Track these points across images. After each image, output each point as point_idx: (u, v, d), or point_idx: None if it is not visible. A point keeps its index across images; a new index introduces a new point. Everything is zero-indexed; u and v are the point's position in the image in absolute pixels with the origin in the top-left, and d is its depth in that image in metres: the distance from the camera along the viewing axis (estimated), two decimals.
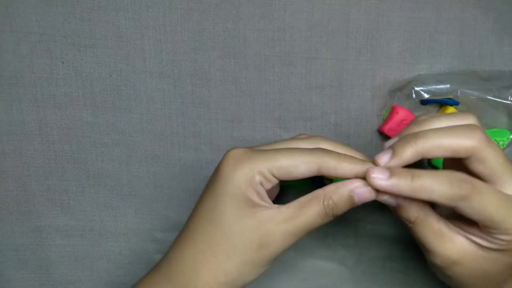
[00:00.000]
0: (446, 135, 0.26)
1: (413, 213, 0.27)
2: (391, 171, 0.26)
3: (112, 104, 0.36)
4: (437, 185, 0.25)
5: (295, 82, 0.37)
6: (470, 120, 0.28)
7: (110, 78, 0.36)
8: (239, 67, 0.36)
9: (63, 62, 0.36)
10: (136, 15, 0.35)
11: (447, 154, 0.26)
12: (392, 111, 0.37)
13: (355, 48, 0.37)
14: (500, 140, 0.37)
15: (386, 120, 0.37)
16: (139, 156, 0.37)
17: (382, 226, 0.39)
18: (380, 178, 0.26)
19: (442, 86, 0.36)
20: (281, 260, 0.39)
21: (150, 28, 0.35)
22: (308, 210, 0.27)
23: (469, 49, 0.37)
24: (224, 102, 0.37)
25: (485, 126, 0.38)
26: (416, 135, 0.27)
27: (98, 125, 0.37)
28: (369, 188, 0.27)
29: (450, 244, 0.27)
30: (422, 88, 0.36)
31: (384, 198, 0.27)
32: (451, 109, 0.37)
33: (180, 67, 0.36)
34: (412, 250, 0.39)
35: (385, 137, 0.37)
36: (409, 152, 0.26)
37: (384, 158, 0.27)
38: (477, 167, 0.27)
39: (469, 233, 0.28)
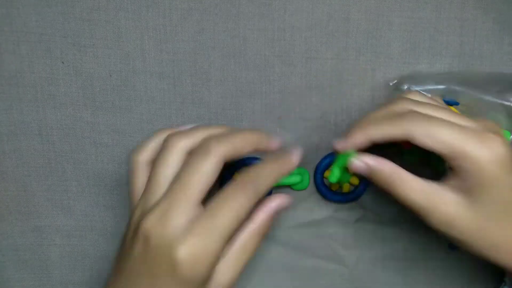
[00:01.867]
0: (384, 121, 0.28)
1: (384, 176, 0.28)
2: (347, 134, 0.29)
3: (112, 104, 0.36)
4: (378, 124, 0.28)
5: (295, 82, 0.37)
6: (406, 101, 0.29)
7: (110, 78, 0.36)
8: (239, 67, 0.36)
9: (63, 62, 0.36)
10: (136, 15, 0.35)
11: (389, 139, 0.28)
12: None
13: (355, 48, 0.37)
14: None
15: None
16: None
17: (382, 226, 0.39)
18: (338, 141, 0.29)
19: (442, 86, 0.36)
20: (281, 260, 0.39)
21: (150, 28, 0.35)
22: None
23: (469, 49, 0.37)
24: (224, 102, 0.37)
25: None
26: (365, 121, 0.29)
27: (98, 125, 0.37)
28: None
29: (438, 198, 0.27)
30: (421, 88, 0.36)
31: (356, 164, 0.29)
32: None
33: (180, 67, 0.36)
34: (412, 250, 0.39)
35: None
36: (358, 136, 0.29)
37: (338, 145, 0.30)
38: (427, 147, 0.27)
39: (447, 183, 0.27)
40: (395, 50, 0.37)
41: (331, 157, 0.37)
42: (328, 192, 0.38)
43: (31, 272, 0.38)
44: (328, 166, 0.38)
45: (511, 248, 0.27)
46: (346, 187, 0.38)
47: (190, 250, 0.24)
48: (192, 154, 0.26)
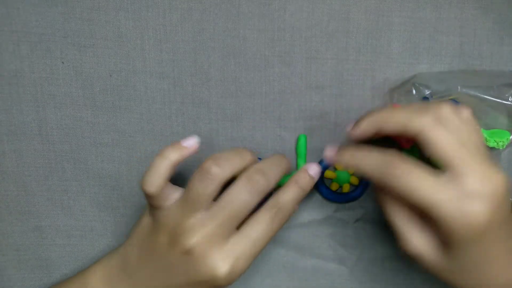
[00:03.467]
0: (399, 112, 0.27)
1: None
2: (338, 147, 0.31)
3: (112, 104, 0.36)
4: (368, 161, 0.27)
5: (295, 82, 0.37)
6: (444, 107, 0.27)
7: (110, 78, 0.36)
8: (239, 67, 0.36)
9: (63, 62, 0.36)
10: (136, 15, 0.35)
11: (398, 128, 0.27)
12: None
13: (355, 48, 0.37)
14: (500, 141, 0.37)
15: None
16: (139, 156, 0.37)
17: (382, 226, 0.39)
18: (329, 151, 0.31)
19: (442, 86, 0.36)
20: (281, 260, 0.39)
21: (150, 28, 0.35)
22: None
23: (469, 49, 0.37)
24: (224, 102, 0.37)
25: (485, 126, 0.38)
26: (376, 111, 0.29)
27: (98, 125, 0.37)
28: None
29: (416, 233, 0.28)
30: (422, 85, 0.36)
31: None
32: None
33: (180, 67, 0.36)
34: None
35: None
36: (366, 123, 0.29)
37: (348, 129, 0.31)
38: (427, 151, 0.26)
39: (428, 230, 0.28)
40: (395, 50, 0.37)
41: None
42: (328, 192, 0.38)
43: (31, 272, 0.38)
44: (328, 166, 0.38)
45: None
46: (346, 187, 0.38)
47: (231, 270, 0.29)
48: (240, 187, 0.29)
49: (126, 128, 0.37)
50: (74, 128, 0.37)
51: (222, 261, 0.29)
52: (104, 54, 0.36)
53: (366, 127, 0.29)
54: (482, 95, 0.35)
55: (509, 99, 0.35)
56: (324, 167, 0.38)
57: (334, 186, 0.38)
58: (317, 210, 0.39)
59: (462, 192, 0.25)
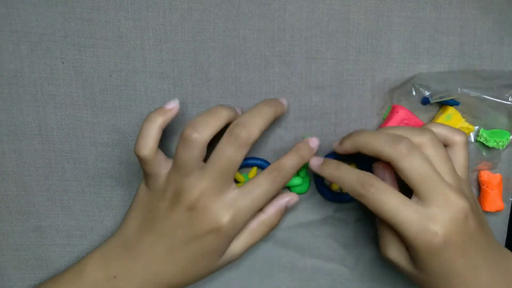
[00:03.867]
0: (375, 139, 0.31)
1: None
2: (324, 160, 0.34)
3: (112, 104, 0.36)
4: (347, 179, 0.31)
5: (295, 82, 0.37)
6: (423, 136, 0.31)
7: (110, 78, 0.36)
8: (239, 67, 0.36)
9: (63, 62, 0.36)
10: (136, 15, 0.35)
11: (373, 154, 0.31)
12: (392, 110, 0.37)
13: (355, 48, 0.37)
14: (500, 141, 0.37)
15: (386, 120, 0.37)
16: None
17: None
18: (315, 161, 0.34)
19: (442, 86, 0.36)
20: (281, 260, 0.39)
21: (150, 28, 0.35)
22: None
23: (469, 49, 0.37)
24: (224, 102, 0.37)
25: (485, 126, 0.38)
26: (359, 133, 0.32)
27: (98, 125, 0.37)
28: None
29: (393, 248, 0.31)
30: (422, 85, 0.36)
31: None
32: (451, 109, 0.37)
33: (180, 67, 0.36)
34: None
35: None
36: (347, 143, 0.33)
37: (334, 144, 0.34)
38: (399, 175, 0.30)
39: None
40: (395, 50, 0.37)
41: (331, 156, 0.37)
42: (328, 192, 0.38)
43: (31, 272, 0.38)
44: None
45: None
46: None
47: (232, 218, 0.32)
48: (224, 143, 0.31)
49: (126, 128, 0.37)
50: (74, 128, 0.37)
51: (223, 210, 0.31)
52: (104, 54, 0.36)
53: (347, 147, 0.33)
54: (482, 96, 0.35)
55: (509, 99, 0.35)
56: None
57: (334, 186, 0.38)
58: (317, 210, 0.39)
59: (424, 215, 0.29)
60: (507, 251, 0.33)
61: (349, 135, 0.33)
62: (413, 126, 0.34)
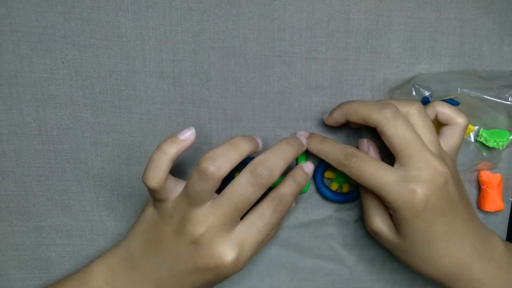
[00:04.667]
0: (364, 105, 0.32)
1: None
2: (310, 134, 0.35)
3: (112, 104, 0.36)
4: (331, 151, 0.33)
5: (295, 82, 0.37)
6: (411, 106, 0.32)
7: (110, 78, 0.36)
8: (239, 67, 0.36)
9: (63, 62, 0.36)
10: (136, 15, 0.35)
11: (361, 120, 0.32)
12: None
13: (355, 48, 0.37)
14: (500, 141, 0.37)
15: None
16: (139, 156, 0.37)
17: None
18: (301, 135, 0.35)
19: (442, 86, 0.36)
20: (281, 260, 0.39)
21: (150, 28, 0.35)
22: None
23: (469, 49, 0.37)
24: (224, 102, 0.37)
25: (485, 127, 0.38)
26: (348, 102, 0.34)
27: (98, 125, 0.37)
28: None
29: (378, 215, 0.33)
30: (422, 85, 0.36)
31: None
32: None
33: (180, 67, 0.36)
34: None
35: None
36: (337, 113, 0.34)
37: (324, 117, 0.36)
38: (384, 141, 0.31)
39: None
40: (395, 50, 0.37)
41: (321, 167, 0.38)
42: (328, 192, 0.38)
43: (31, 272, 0.38)
44: (328, 167, 0.38)
45: (437, 266, 0.32)
46: (346, 187, 0.38)
47: (237, 257, 0.30)
48: (244, 180, 0.30)
49: (126, 128, 0.37)
50: (74, 128, 0.37)
51: (228, 248, 0.30)
52: (104, 54, 0.36)
53: (336, 116, 0.34)
54: (482, 96, 0.35)
55: (509, 99, 0.35)
56: (324, 166, 0.38)
57: (334, 186, 0.38)
58: (317, 210, 0.39)
59: (405, 176, 0.30)
60: (490, 229, 0.34)
61: (339, 105, 0.34)
62: (401, 99, 0.35)
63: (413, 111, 0.32)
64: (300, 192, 0.38)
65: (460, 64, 0.38)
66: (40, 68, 0.35)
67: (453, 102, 0.36)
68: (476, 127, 0.38)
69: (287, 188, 0.32)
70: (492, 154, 0.38)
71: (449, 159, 0.33)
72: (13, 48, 0.35)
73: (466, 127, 0.34)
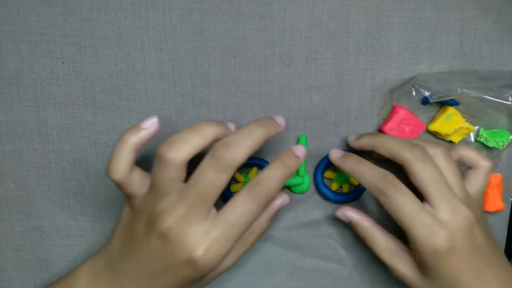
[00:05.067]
0: (393, 141, 0.32)
1: (360, 230, 0.34)
2: (345, 153, 0.34)
3: (112, 104, 0.36)
4: (368, 174, 0.31)
5: (295, 82, 0.37)
6: (437, 148, 0.32)
7: (110, 78, 0.36)
8: (239, 67, 0.36)
9: (63, 62, 0.36)
10: (136, 15, 0.35)
11: (389, 154, 0.32)
12: (393, 110, 0.37)
13: (355, 48, 0.37)
14: (500, 141, 0.37)
15: (386, 120, 0.37)
16: (139, 156, 0.37)
17: (382, 226, 0.39)
18: (335, 153, 0.35)
19: (442, 86, 0.36)
20: (281, 260, 0.39)
21: (150, 28, 0.35)
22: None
23: (469, 49, 0.37)
24: (224, 102, 0.37)
25: (485, 127, 0.38)
26: (378, 134, 0.35)
27: (98, 125, 0.37)
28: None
29: (398, 260, 0.33)
30: (422, 86, 0.36)
31: (338, 214, 0.35)
32: (451, 109, 0.37)
33: (180, 67, 0.36)
34: None
35: None
36: (365, 140, 0.34)
37: (350, 138, 0.36)
38: (411, 179, 0.31)
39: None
40: (395, 50, 0.37)
41: (327, 159, 0.37)
42: (328, 192, 0.38)
43: (31, 272, 0.38)
44: (328, 167, 0.38)
45: None
46: (346, 187, 0.38)
47: (208, 253, 0.28)
48: (205, 164, 0.28)
49: (126, 128, 0.37)
50: (74, 128, 0.37)
51: (196, 243, 0.28)
52: (104, 54, 0.36)
53: (364, 144, 0.34)
54: (482, 96, 0.35)
55: (509, 99, 0.35)
56: (324, 166, 0.38)
57: (334, 186, 0.38)
58: (317, 210, 0.39)
59: (435, 219, 0.30)
60: None
61: (369, 133, 0.35)
62: (427, 140, 0.35)
63: (438, 153, 0.32)
64: (300, 192, 0.38)
65: (460, 64, 0.38)
66: (40, 68, 0.35)
67: (453, 102, 0.36)
68: (476, 127, 0.38)
69: (271, 171, 0.29)
70: (492, 154, 0.38)
71: (474, 203, 0.32)
72: (13, 48, 0.35)
73: (490, 170, 0.34)
